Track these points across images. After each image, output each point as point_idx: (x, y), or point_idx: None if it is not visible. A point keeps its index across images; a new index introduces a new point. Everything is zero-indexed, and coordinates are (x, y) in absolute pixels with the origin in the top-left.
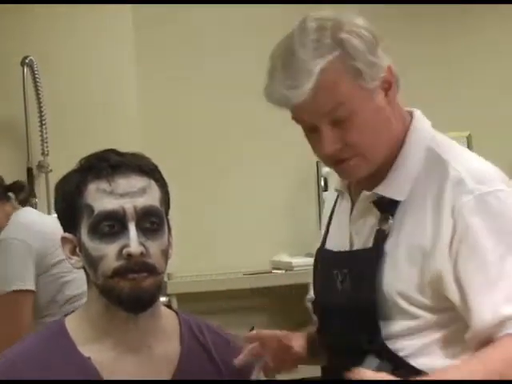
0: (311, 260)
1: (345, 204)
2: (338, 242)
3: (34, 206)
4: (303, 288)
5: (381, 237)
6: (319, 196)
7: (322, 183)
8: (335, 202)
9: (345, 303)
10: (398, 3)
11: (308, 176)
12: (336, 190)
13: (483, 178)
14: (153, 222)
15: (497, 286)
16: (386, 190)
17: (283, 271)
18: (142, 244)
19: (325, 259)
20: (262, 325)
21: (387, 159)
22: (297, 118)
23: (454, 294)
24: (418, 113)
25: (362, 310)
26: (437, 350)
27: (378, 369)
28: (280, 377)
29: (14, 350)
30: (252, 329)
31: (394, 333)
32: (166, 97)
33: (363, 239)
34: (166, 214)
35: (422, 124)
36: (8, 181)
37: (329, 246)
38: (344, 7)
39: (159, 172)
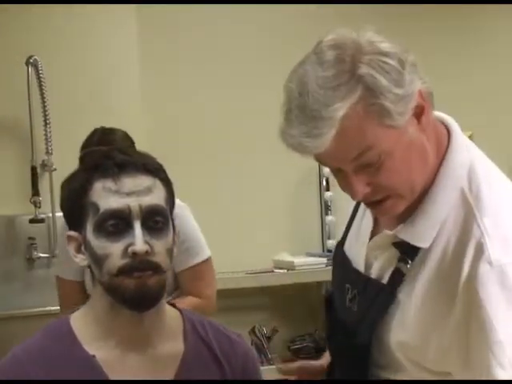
0: (313, 259)
1: (368, 216)
2: (355, 256)
3: (38, 205)
4: (304, 287)
5: (397, 279)
6: (321, 196)
7: (324, 183)
8: (355, 205)
9: (350, 324)
10: (399, 3)
11: (310, 175)
12: None
13: (506, 244)
14: (158, 220)
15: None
16: (409, 235)
17: (285, 270)
18: (147, 242)
19: (340, 267)
20: (264, 323)
21: (415, 199)
22: (319, 161)
23: (457, 371)
24: (455, 132)
25: (359, 347)
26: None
27: None
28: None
29: (20, 346)
30: (253, 328)
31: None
32: (169, 97)
33: (380, 269)
34: (171, 212)
35: (458, 151)
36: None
37: (347, 249)
38: (346, 7)
39: (164, 171)
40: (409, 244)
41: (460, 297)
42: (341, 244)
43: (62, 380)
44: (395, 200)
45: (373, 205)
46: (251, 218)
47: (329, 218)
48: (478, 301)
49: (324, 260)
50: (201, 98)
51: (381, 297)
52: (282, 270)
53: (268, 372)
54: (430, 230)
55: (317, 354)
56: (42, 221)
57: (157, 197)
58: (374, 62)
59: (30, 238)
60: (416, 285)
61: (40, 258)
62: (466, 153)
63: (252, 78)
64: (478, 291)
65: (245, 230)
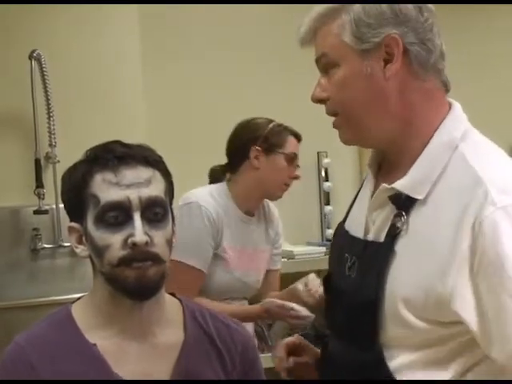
0: (312, 248)
1: (368, 187)
2: (355, 226)
3: (42, 197)
4: (304, 275)
5: (393, 233)
6: (320, 186)
7: (323, 173)
8: (363, 181)
9: (351, 291)
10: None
11: (309, 166)
12: (367, 166)
13: (504, 189)
14: (157, 212)
15: None
16: (405, 185)
17: (285, 259)
18: (146, 234)
19: (340, 239)
20: None
21: (411, 151)
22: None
23: (469, 316)
24: (456, 106)
25: (364, 305)
26: (429, 366)
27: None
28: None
29: (23, 335)
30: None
31: (387, 339)
32: (171, 88)
33: (377, 231)
34: (170, 204)
35: (456, 119)
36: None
37: (347, 226)
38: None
39: (164, 163)
40: (405, 196)
41: (464, 242)
42: (342, 222)
43: (68, 380)
44: (342, 120)
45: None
46: None
47: (328, 207)
48: (487, 241)
49: (323, 249)
50: (202, 91)
51: (379, 254)
52: (282, 259)
53: (269, 359)
54: (425, 182)
55: (317, 341)
56: (45, 212)
57: (156, 188)
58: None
59: (35, 229)
60: (412, 236)
61: (44, 248)
62: (463, 122)
63: (256, 71)
64: (485, 232)
65: None
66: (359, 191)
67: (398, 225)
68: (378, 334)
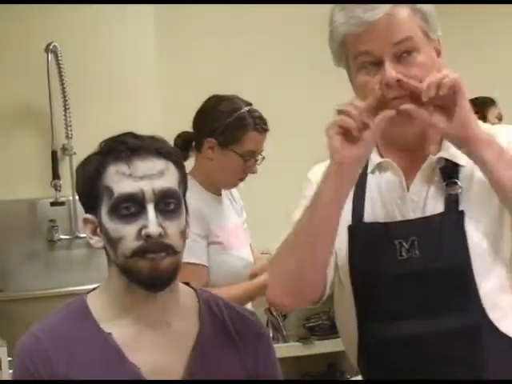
0: None
1: (389, 176)
2: (389, 213)
3: (59, 188)
4: None
5: (453, 200)
6: None
7: None
8: (361, 180)
9: (418, 269)
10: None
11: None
12: (378, 164)
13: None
14: (170, 203)
15: None
16: (449, 154)
17: None
18: (160, 225)
19: (375, 232)
20: None
21: (434, 131)
22: (360, 51)
23: None
24: None
25: (452, 272)
26: None
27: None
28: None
29: (38, 325)
30: (269, 307)
31: (485, 291)
32: (186, 81)
33: (427, 207)
34: (184, 195)
35: None
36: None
37: (371, 219)
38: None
39: (177, 155)
40: (451, 165)
41: None
42: (358, 220)
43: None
44: (415, 101)
45: (396, 101)
46: (267, 201)
47: None
48: None
49: None
50: (217, 81)
51: (449, 221)
52: None
53: (284, 349)
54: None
55: (331, 331)
56: (62, 204)
57: (169, 180)
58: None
59: (51, 221)
60: (471, 197)
61: (61, 239)
62: None
63: (271, 63)
64: None
65: (259, 215)
66: (361, 190)
67: (454, 192)
68: (477, 289)
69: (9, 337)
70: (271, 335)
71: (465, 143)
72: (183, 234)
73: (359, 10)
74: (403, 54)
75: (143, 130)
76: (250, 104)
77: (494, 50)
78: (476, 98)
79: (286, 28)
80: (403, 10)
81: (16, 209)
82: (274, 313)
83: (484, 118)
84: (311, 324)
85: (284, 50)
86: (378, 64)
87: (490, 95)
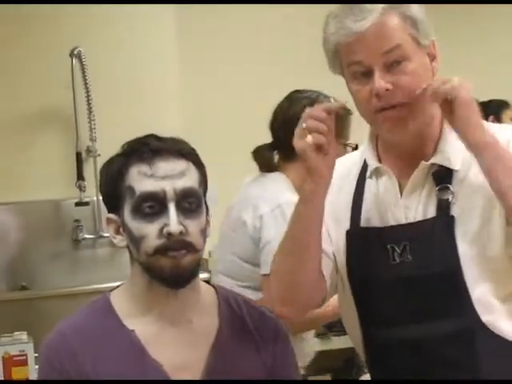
0: None
1: (385, 181)
2: (383, 218)
3: (83, 189)
4: None
5: (444, 205)
6: None
7: None
8: (358, 184)
9: (411, 273)
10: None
11: None
12: (375, 169)
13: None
14: (191, 202)
15: None
16: (442, 159)
17: None
18: (181, 223)
19: (370, 236)
20: None
21: (432, 136)
22: (351, 62)
23: None
24: None
25: (443, 276)
26: None
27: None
28: None
29: (64, 322)
30: None
31: (477, 294)
32: (207, 82)
33: (421, 210)
34: (204, 194)
35: None
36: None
37: (367, 223)
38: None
39: (197, 155)
40: (443, 171)
41: None
42: (355, 225)
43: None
44: (404, 110)
45: (383, 110)
46: None
47: None
48: None
49: None
50: (237, 85)
51: (440, 226)
52: None
53: None
54: (456, 154)
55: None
56: (86, 204)
57: (190, 180)
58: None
59: (76, 221)
60: (462, 202)
61: (85, 239)
62: None
63: (291, 63)
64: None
65: None
66: (359, 195)
67: (446, 197)
68: (469, 294)
69: (35, 333)
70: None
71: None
72: (204, 233)
73: (349, 20)
74: (393, 63)
75: (165, 131)
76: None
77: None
78: (490, 101)
79: (312, 31)
80: (392, 19)
81: (42, 209)
82: None
83: (498, 120)
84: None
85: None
86: (369, 74)
87: (504, 97)
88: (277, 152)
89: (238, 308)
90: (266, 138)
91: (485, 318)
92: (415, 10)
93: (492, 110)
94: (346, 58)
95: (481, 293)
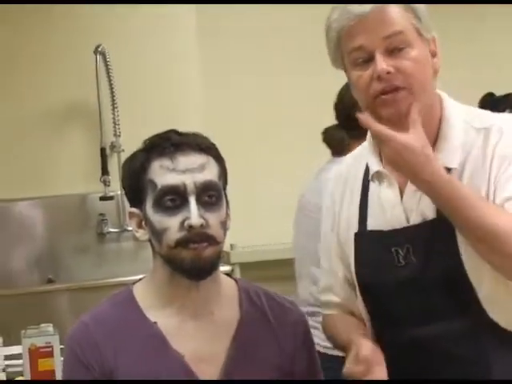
0: None
1: (386, 185)
2: (387, 222)
3: (108, 184)
4: None
5: None
6: None
7: None
8: (363, 186)
9: (415, 275)
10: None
11: None
12: (375, 174)
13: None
14: (211, 195)
15: None
16: (440, 160)
17: None
18: (201, 216)
19: (375, 240)
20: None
21: (431, 130)
22: (353, 47)
23: None
24: (443, 93)
25: (447, 277)
26: None
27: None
28: None
29: (88, 314)
30: None
31: (483, 293)
32: (227, 82)
33: (421, 213)
34: (224, 188)
35: (451, 101)
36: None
37: (373, 227)
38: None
39: (217, 149)
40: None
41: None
42: (363, 228)
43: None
44: (407, 94)
45: (385, 93)
46: (294, 197)
47: None
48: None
49: None
50: (257, 86)
51: (441, 226)
52: None
53: None
54: (454, 152)
55: None
56: (111, 198)
57: (210, 173)
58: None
59: (101, 214)
60: None
61: (110, 232)
62: (456, 102)
63: (306, 70)
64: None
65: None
66: (365, 199)
67: None
68: (475, 292)
69: (61, 325)
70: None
71: None
72: (224, 225)
73: (352, 6)
74: (395, 49)
75: (186, 127)
76: None
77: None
78: (508, 94)
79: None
80: (395, 7)
81: (67, 203)
82: None
83: None
84: None
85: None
86: (370, 60)
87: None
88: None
89: (258, 300)
90: (282, 130)
91: (492, 314)
92: (418, 4)
93: (509, 102)
94: (347, 45)
95: (486, 290)
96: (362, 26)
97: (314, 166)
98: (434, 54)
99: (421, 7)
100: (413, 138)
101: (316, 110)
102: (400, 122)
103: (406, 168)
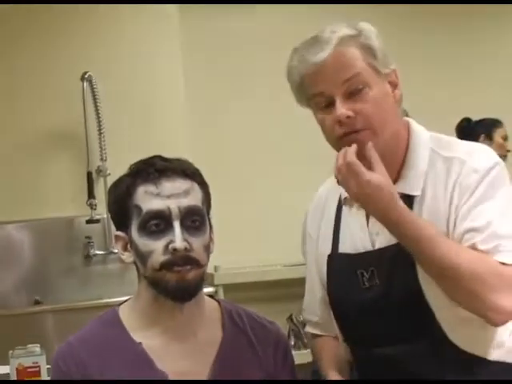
0: None
1: (355, 210)
2: (354, 245)
3: (94, 207)
4: None
5: None
6: None
7: None
8: (337, 210)
9: (378, 298)
10: (398, 3)
11: None
12: (344, 200)
13: (472, 152)
14: (195, 220)
15: None
16: (404, 187)
17: None
18: (185, 240)
19: (343, 262)
20: (300, 312)
21: (396, 159)
22: (314, 94)
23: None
24: (412, 120)
25: (407, 300)
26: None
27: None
28: None
29: (75, 335)
30: (291, 316)
31: (441, 314)
32: (213, 107)
33: (385, 238)
34: (208, 213)
35: (419, 128)
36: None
37: (343, 250)
38: (355, 7)
39: (201, 175)
40: (405, 196)
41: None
42: (335, 250)
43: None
44: (369, 134)
45: (347, 135)
46: (287, 216)
47: None
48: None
49: None
50: (243, 106)
51: (398, 253)
52: None
53: (304, 356)
54: (418, 180)
55: None
56: (97, 221)
57: (194, 198)
58: (369, 26)
59: (87, 237)
60: None
61: (96, 255)
62: (422, 128)
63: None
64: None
65: (281, 227)
66: (338, 223)
67: None
68: (435, 315)
69: (48, 346)
70: (293, 343)
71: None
72: (207, 249)
73: (309, 52)
74: (354, 91)
75: (171, 153)
76: None
77: (505, 71)
78: (483, 119)
79: None
80: (350, 49)
81: (54, 226)
82: (295, 321)
83: (490, 139)
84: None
85: None
86: (332, 104)
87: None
88: None
89: (240, 321)
90: (265, 150)
91: (452, 337)
92: (373, 39)
93: (484, 128)
94: (309, 91)
95: (446, 314)
96: (321, 74)
97: (299, 190)
98: (394, 86)
99: (376, 44)
100: (379, 177)
101: (302, 135)
102: (365, 161)
103: (371, 206)
